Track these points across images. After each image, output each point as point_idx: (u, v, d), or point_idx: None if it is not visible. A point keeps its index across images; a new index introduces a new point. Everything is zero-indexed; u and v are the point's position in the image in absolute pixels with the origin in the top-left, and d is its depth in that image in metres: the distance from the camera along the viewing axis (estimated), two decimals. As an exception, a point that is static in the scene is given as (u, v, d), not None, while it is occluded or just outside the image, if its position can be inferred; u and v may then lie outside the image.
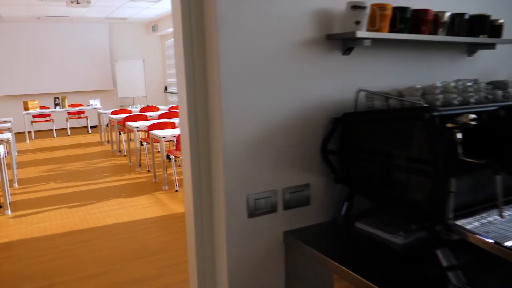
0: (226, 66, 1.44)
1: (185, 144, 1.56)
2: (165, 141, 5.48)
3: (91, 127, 11.57)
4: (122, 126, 7.76)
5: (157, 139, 5.66)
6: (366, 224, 1.64)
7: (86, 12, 9.80)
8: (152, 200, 5.07)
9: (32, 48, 11.23)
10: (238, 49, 1.45)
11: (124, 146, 8.02)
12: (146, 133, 6.84)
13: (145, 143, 6.74)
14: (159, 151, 7.77)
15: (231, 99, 1.46)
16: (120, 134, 7.92)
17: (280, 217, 1.63)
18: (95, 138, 10.08)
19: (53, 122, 10.66)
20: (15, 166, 6.45)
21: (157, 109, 8.86)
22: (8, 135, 6.05)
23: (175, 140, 5.69)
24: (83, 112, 10.74)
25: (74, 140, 9.82)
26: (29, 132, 10.66)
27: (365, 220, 1.66)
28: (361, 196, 1.66)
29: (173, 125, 6.48)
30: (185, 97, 1.51)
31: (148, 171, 6.55)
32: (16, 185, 5.95)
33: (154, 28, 11.93)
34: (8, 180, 5.57)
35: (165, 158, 5.49)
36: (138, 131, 6.61)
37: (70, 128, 11.30)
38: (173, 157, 5.50)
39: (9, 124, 7.53)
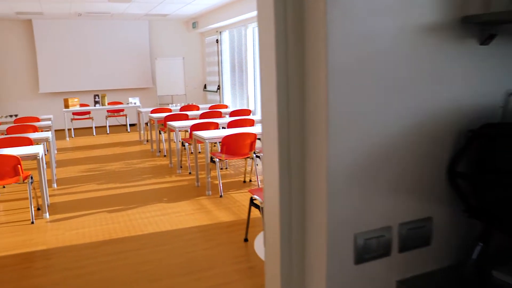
0: (334, 58, 1.04)
1: (272, 162, 1.17)
2: (209, 143, 5.14)
3: (130, 125, 11.44)
4: (162, 125, 7.51)
5: (200, 140, 5.34)
6: (510, 275, 1.20)
7: (126, 9, 9.64)
8: (196, 206, 4.74)
9: (72, 45, 11.20)
10: (349, 36, 1.05)
11: (164, 146, 7.76)
12: (187, 133, 6.55)
13: (187, 143, 6.44)
14: (199, 152, 7.47)
15: (339, 102, 1.06)
16: (160, 133, 7.66)
17: (394, 261, 1.21)
18: (134, 136, 9.92)
19: (92, 120, 10.58)
20: (54, 165, 6.28)
21: (198, 108, 8.59)
22: (47, 134, 5.87)
23: (217, 142, 5.35)
24: (122, 110, 10.61)
25: (113, 139, 9.68)
26: (69, 129, 10.63)
27: (509, 269, 1.22)
28: (507, 235, 1.23)
29: (216, 126, 6.15)
30: (275, 98, 1.11)
31: (190, 173, 6.23)
32: (55, 185, 5.76)
33: (194, 25, 11.68)
34: (47, 180, 5.38)
35: (209, 160, 5.14)
36: (180, 131, 6.31)
37: (109, 126, 11.21)
38: (217, 160, 5.15)
39: (49, 122, 7.41)
